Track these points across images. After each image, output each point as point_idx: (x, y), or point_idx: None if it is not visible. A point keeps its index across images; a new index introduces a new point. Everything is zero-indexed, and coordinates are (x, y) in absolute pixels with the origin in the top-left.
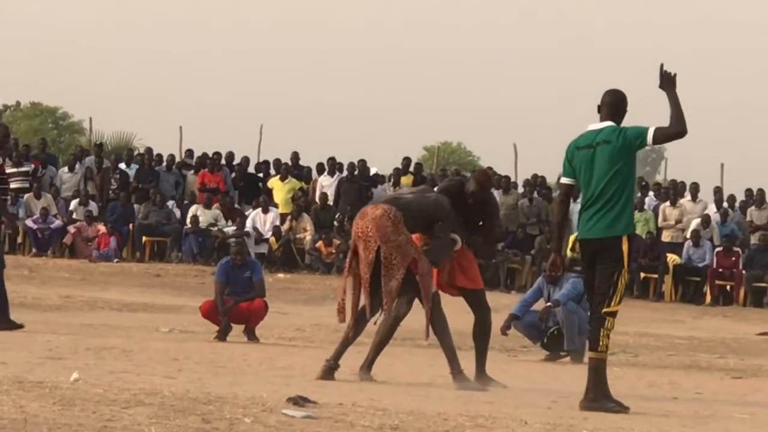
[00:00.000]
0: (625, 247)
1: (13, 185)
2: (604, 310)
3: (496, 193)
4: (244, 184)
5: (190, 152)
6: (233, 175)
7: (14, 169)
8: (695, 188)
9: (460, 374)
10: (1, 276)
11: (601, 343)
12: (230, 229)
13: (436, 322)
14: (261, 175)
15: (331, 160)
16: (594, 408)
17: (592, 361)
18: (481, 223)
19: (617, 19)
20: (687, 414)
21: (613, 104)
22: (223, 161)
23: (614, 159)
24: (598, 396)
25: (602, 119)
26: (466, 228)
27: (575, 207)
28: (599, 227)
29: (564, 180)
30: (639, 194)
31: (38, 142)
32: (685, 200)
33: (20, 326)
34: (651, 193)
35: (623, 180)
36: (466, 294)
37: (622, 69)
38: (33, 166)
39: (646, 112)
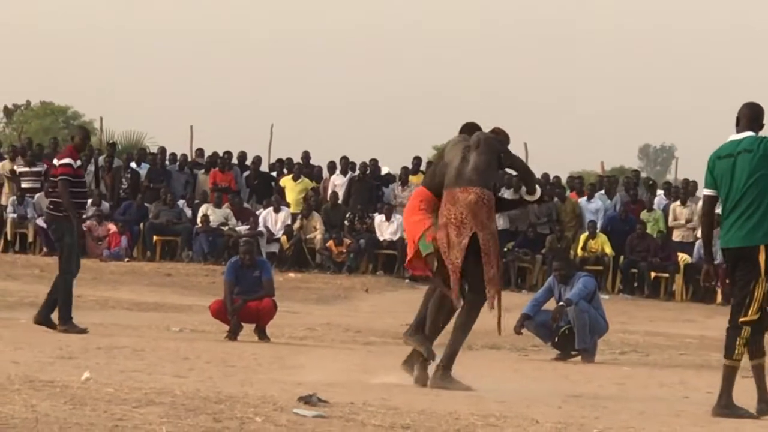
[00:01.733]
0: (762, 257)
1: (24, 185)
2: (741, 319)
3: (506, 193)
4: (257, 183)
5: (200, 151)
6: (246, 174)
7: (27, 169)
8: None
9: (446, 371)
10: (70, 280)
11: (736, 351)
12: (243, 228)
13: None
14: (275, 174)
15: (344, 159)
16: (726, 414)
17: (726, 369)
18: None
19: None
20: (698, 413)
21: (752, 117)
22: (234, 160)
23: (754, 168)
24: (729, 402)
25: (740, 131)
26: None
27: (587, 204)
28: (738, 236)
29: (706, 191)
30: (648, 193)
31: (50, 142)
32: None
33: (54, 327)
34: (660, 192)
35: (763, 188)
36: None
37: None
38: (45, 166)
39: None
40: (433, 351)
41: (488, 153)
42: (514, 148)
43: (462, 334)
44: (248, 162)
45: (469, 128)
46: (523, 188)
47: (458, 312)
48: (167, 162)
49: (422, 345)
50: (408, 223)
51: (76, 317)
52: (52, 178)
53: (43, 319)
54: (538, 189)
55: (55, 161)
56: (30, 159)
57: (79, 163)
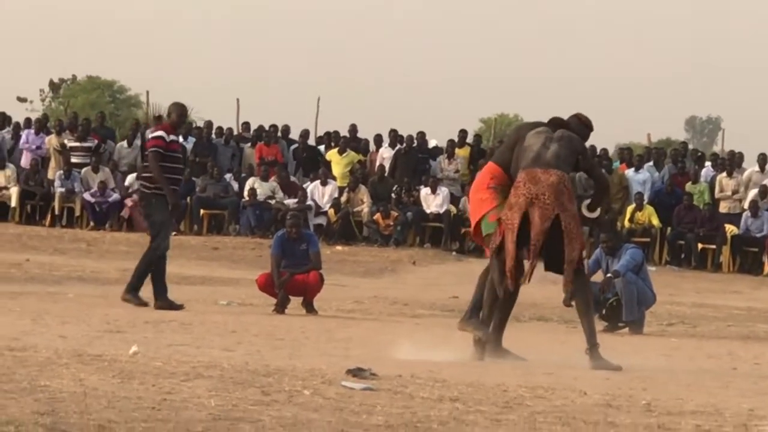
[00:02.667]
0: None
1: (74, 159)
2: None
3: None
4: (305, 157)
5: (246, 125)
6: (293, 147)
7: (77, 144)
8: (763, 159)
9: (595, 349)
10: (155, 256)
11: None
12: (291, 201)
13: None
14: (323, 147)
15: (393, 132)
16: None
17: None
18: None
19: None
20: (746, 384)
21: None
22: (280, 134)
23: None
24: None
25: None
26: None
27: (634, 176)
28: None
29: None
30: (696, 165)
31: (96, 116)
32: (752, 170)
33: (180, 306)
34: (708, 164)
35: None
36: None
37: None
38: (96, 141)
39: None
40: (488, 332)
41: (569, 149)
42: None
43: (587, 313)
44: (294, 135)
45: (555, 123)
46: (586, 201)
47: (566, 299)
48: (213, 136)
49: (478, 329)
50: (474, 199)
51: (120, 291)
52: (144, 153)
53: (165, 304)
54: (598, 210)
55: (148, 133)
56: (81, 134)
57: (173, 137)
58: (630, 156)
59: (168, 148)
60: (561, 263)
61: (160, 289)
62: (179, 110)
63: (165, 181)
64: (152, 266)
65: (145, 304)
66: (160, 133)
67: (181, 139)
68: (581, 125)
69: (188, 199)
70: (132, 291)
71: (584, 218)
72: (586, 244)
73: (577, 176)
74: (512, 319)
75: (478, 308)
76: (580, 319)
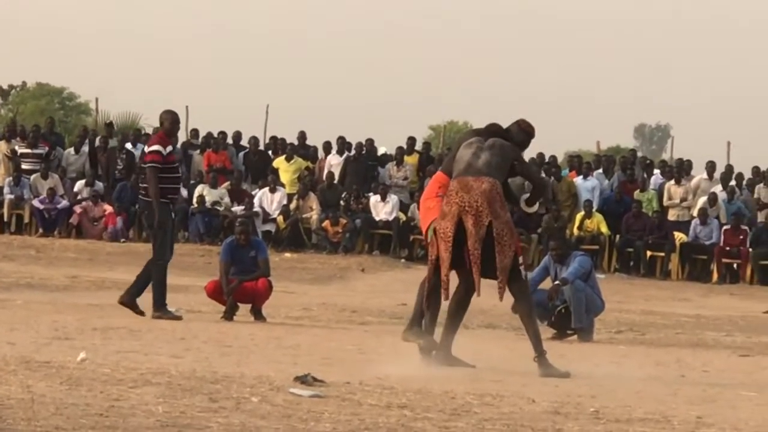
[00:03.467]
0: None
1: (24, 166)
2: None
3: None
4: (255, 163)
5: (195, 132)
6: (243, 153)
7: (28, 150)
8: (711, 167)
9: (543, 358)
10: (164, 267)
11: None
12: (239, 209)
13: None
14: (271, 153)
15: (341, 139)
16: None
17: None
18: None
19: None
20: (694, 392)
21: None
22: (230, 140)
23: None
24: None
25: None
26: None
27: (583, 183)
28: None
29: None
30: (644, 173)
31: (46, 122)
32: (700, 178)
33: (179, 317)
34: (657, 172)
35: None
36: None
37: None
38: (47, 148)
39: None
40: (434, 340)
41: (501, 156)
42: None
43: (530, 321)
44: (244, 142)
45: (492, 131)
46: (525, 196)
47: (514, 307)
48: None
49: (420, 338)
50: (422, 208)
51: (72, 298)
52: (142, 165)
53: (128, 301)
54: (537, 205)
55: (145, 148)
56: (31, 141)
57: (170, 149)
58: (580, 164)
59: (165, 161)
60: (495, 270)
61: (136, 289)
62: (171, 117)
63: (158, 197)
64: (165, 276)
65: (179, 318)
66: (156, 147)
67: (129, 146)
68: (521, 132)
69: (137, 205)
70: (160, 307)
71: (524, 213)
72: (522, 251)
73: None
74: (462, 327)
75: (420, 317)
76: (524, 328)
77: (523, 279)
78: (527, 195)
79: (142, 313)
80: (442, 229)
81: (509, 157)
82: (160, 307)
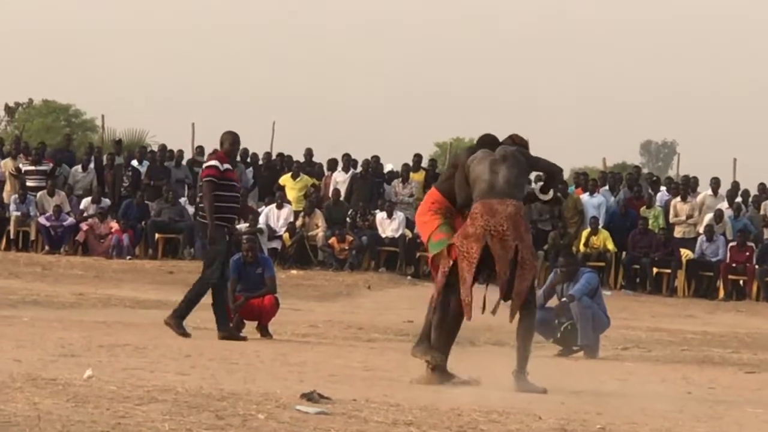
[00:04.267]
0: None
1: (29, 183)
2: None
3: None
4: (266, 177)
5: (200, 149)
6: (248, 169)
7: (32, 167)
8: (716, 183)
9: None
10: (207, 287)
11: None
12: (244, 225)
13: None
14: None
15: (346, 156)
16: None
17: None
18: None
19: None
20: (701, 409)
21: None
22: (239, 157)
23: None
24: None
25: None
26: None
27: (589, 200)
28: None
29: None
30: (651, 189)
31: (63, 138)
32: (706, 194)
33: (244, 338)
34: (663, 188)
35: None
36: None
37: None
38: (51, 165)
39: None
40: (441, 355)
41: (517, 166)
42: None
43: (528, 341)
44: (249, 159)
45: (488, 141)
46: (539, 184)
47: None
48: (166, 159)
49: (427, 354)
50: (418, 223)
51: (78, 315)
52: (199, 183)
53: (227, 335)
54: (551, 192)
55: (203, 165)
56: (35, 158)
57: (227, 166)
58: (586, 181)
59: (222, 176)
60: (510, 292)
61: (221, 320)
62: (232, 138)
63: (212, 213)
64: (201, 296)
65: (187, 335)
66: (213, 162)
67: (135, 162)
68: (516, 146)
69: (143, 222)
70: (177, 317)
71: (540, 202)
72: (538, 273)
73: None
74: (467, 343)
75: (428, 334)
76: (518, 343)
77: (534, 301)
78: (541, 183)
79: (187, 335)
80: (467, 250)
81: (523, 162)
82: (176, 316)
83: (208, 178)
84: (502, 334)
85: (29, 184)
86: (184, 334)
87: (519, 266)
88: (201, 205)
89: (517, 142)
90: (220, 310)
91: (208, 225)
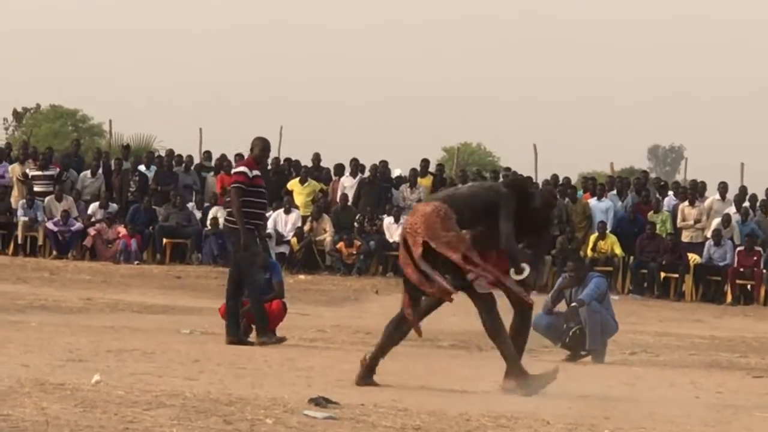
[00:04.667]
0: None
1: (36, 188)
2: None
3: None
4: (274, 182)
5: (208, 154)
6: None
7: (39, 173)
8: (724, 188)
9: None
10: (257, 291)
11: None
12: None
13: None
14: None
15: (354, 161)
16: None
17: None
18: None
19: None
20: (708, 414)
21: None
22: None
23: None
24: None
25: None
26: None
27: (597, 204)
28: None
29: None
30: (658, 194)
31: (72, 143)
32: (713, 199)
33: (282, 339)
34: (671, 193)
35: None
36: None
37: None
38: (58, 170)
39: None
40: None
41: (479, 195)
42: (523, 149)
43: (499, 339)
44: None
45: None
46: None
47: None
48: (174, 164)
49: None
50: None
51: (86, 320)
52: (227, 188)
53: (237, 339)
54: (526, 268)
55: (232, 170)
56: (42, 163)
57: (256, 172)
58: (594, 186)
59: (251, 183)
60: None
61: (231, 325)
62: (262, 144)
63: (242, 219)
64: (261, 302)
65: (282, 339)
66: (242, 168)
67: (142, 167)
68: (543, 204)
69: (150, 227)
70: (263, 334)
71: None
72: (475, 266)
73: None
74: (474, 348)
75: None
76: (495, 344)
77: (491, 301)
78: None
79: (283, 339)
80: (400, 257)
81: (491, 199)
82: (262, 333)
83: (236, 184)
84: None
85: (36, 189)
86: (280, 340)
87: (442, 257)
88: (230, 210)
89: (546, 199)
90: (233, 316)
91: (240, 231)
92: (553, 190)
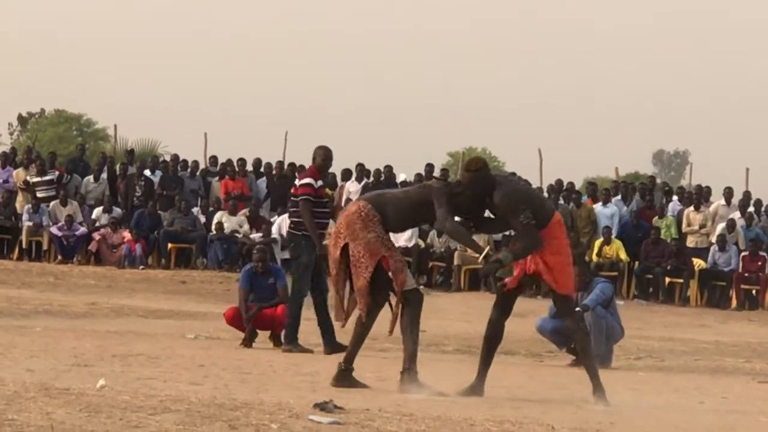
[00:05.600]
0: None
1: (39, 194)
2: None
3: None
4: (279, 186)
5: (213, 159)
6: (261, 180)
7: (38, 178)
8: (729, 193)
9: (411, 373)
10: (301, 300)
11: None
12: (257, 236)
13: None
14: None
15: (360, 166)
16: None
17: None
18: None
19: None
20: (713, 419)
21: None
22: (249, 167)
23: None
24: None
25: None
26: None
27: (602, 210)
28: None
29: None
30: (664, 199)
31: (77, 148)
32: (718, 204)
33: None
34: (675, 198)
35: None
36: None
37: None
38: (57, 173)
39: None
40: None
41: (412, 196)
42: (528, 154)
43: (410, 332)
44: (263, 169)
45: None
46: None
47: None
48: (179, 169)
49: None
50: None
51: (91, 324)
52: (293, 198)
53: (331, 349)
54: (484, 249)
55: (297, 181)
56: (40, 168)
57: (320, 183)
58: (595, 191)
59: (317, 194)
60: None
61: (326, 335)
62: (324, 153)
63: (315, 230)
64: (300, 309)
65: (308, 351)
66: (308, 180)
67: (148, 172)
68: (467, 185)
69: (155, 232)
70: (291, 342)
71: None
72: (392, 263)
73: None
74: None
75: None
76: (403, 337)
77: (414, 298)
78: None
79: (309, 351)
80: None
81: (414, 195)
82: (290, 341)
83: (304, 196)
84: (513, 343)
85: (39, 194)
86: (304, 350)
87: (352, 264)
88: (294, 219)
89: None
90: (325, 325)
91: (315, 241)
92: (476, 157)
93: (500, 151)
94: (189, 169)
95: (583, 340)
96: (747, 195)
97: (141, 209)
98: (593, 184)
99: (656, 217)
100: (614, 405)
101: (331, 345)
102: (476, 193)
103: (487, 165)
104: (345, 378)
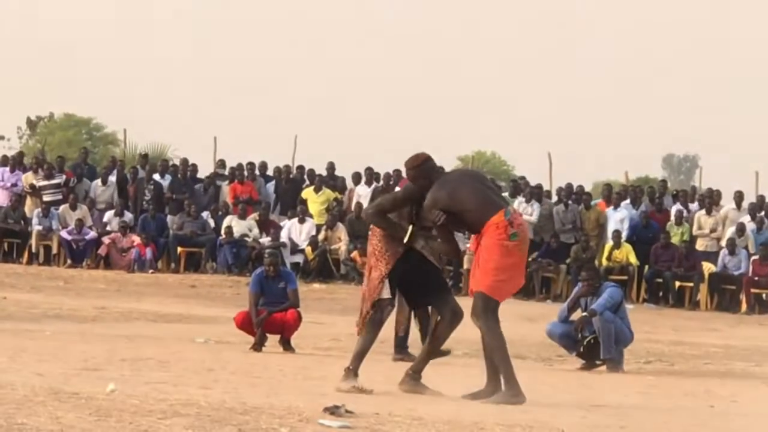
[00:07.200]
0: None
1: (46, 198)
2: None
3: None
4: (288, 190)
5: (222, 163)
6: (270, 183)
7: (45, 182)
8: (740, 196)
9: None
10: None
11: None
12: (266, 240)
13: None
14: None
15: (369, 170)
16: None
17: None
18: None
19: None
20: (723, 423)
21: None
22: (258, 171)
23: None
24: None
25: None
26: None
27: (612, 213)
28: None
29: None
30: (677, 205)
31: (80, 151)
32: (729, 208)
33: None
34: (696, 204)
35: None
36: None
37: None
38: (65, 177)
39: None
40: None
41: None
42: (538, 157)
43: (366, 333)
44: (271, 172)
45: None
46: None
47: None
48: (189, 173)
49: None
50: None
51: (101, 328)
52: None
53: (402, 355)
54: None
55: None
56: (47, 171)
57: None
58: (609, 194)
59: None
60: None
61: (399, 338)
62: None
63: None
64: (409, 322)
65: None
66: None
67: (157, 176)
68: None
69: (165, 236)
70: (401, 350)
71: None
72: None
73: (555, 209)
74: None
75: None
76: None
77: (384, 303)
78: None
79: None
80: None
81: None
82: (399, 350)
83: None
84: (522, 347)
85: (46, 198)
86: (410, 356)
87: (369, 255)
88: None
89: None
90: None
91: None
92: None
93: (510, 155)
94: (198, 174)
95: (490, 338)
96: (758, 199)
97: (144, 214)
98: (608, 185)
99: (671, 223)
100: (596, 407)
101: (401, 352)
102: (423, 188)
103: (430, 159)
104: (348, 378)
